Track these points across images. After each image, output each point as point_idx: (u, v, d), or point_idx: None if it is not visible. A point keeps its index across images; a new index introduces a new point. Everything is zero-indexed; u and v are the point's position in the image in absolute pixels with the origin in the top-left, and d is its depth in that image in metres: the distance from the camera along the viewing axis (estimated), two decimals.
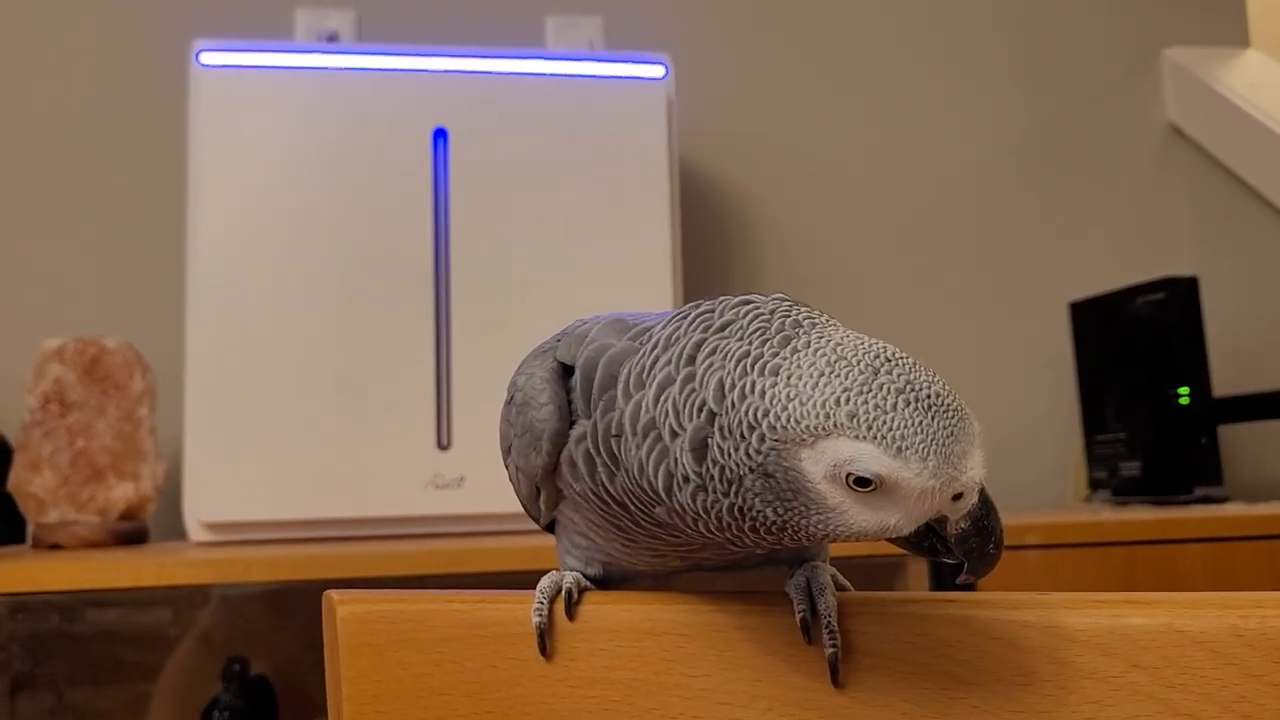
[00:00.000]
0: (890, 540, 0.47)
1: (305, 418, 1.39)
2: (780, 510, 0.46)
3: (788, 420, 0.44)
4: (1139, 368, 1.65)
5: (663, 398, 0.47)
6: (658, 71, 1.53)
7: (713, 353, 0.47)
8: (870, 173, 1.94)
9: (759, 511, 0.46)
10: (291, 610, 1.47)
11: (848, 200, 1.93)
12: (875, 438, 0.44)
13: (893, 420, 0.44)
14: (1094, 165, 2.01)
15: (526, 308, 1.44)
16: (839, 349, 0.46)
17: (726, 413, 0.45)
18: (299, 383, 1.39)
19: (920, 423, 0.44)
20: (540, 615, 0.51)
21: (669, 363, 0.48)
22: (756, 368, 0.46)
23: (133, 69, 1.75)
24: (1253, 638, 0.45)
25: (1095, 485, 1.74)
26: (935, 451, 0.44)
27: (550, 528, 0.58)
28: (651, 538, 0.52)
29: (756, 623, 0.50)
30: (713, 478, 0.46)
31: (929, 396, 0.45)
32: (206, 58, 1.44)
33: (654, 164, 1.51)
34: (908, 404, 0.44)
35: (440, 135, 1.46)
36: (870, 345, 0.46)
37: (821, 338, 0.46)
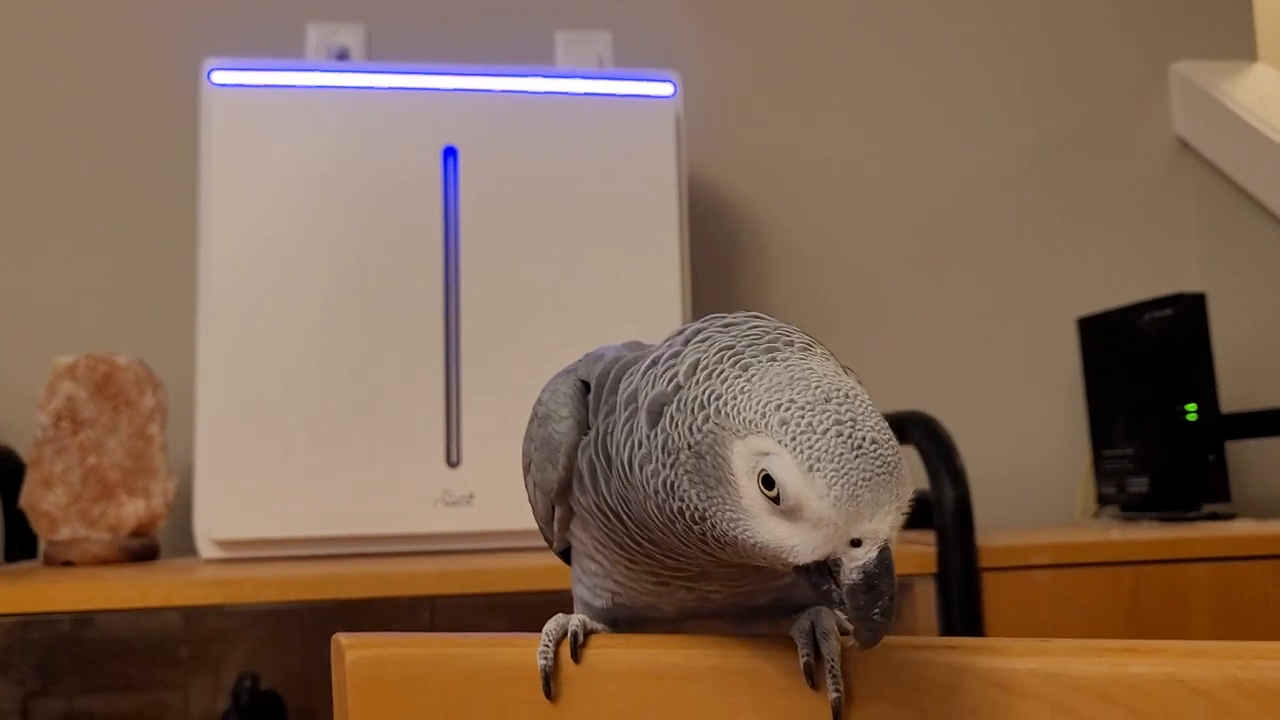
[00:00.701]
0: (796, 571, 0.47)
1: (315, 435, 1.39)
2: (703, 497, 0.47)
3: (732, 409, 0.47)
4: (1147, 384, 1.65)
5: (649, 374, 0.50)
6: (666, 89, 1.54)
7: (703, 340, 0.50)
8: (880, 188, 1.94)
9: (685, 492, 0.48)
10: (302, 626, 1.47)
11: (858, 216, 1.93)
12: (795, 449, 0.45)
13: (817, 442, 0.45)
14: (1102, 180, 2.01)
15: (536, 326, 1.45)
16: (809, 372, 0.47)
17: (690, 388, 0.48)
18: (309, 400, 1.40)
19: (840, 454, 0.45)
20: (545, 658, 0.52)
21: (665, 348, 0.51)
22: (731, 360, 0.48)
23: (144, 86, 1.76)
24: (1252, 689, 0.45)
25: (1103, 501, 1.74)
26: (844, 485, 0.45)
27: (565, 556, 0.59)
28: (649, 558, 0.52)
29: (761, 667, 0.51)
30: (658, 445, 0.48)
31: (863, 438, 0.45)
32: (218, 76, 1.45)
33: (663, 182, 1.51)
34: (839, 435, 0.45)
35: (450, 154, 1.47)
36: (838, 380, 0.47)
37: (802, 360, 0.48)
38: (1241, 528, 1.45)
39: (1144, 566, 1.27)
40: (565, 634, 0.52)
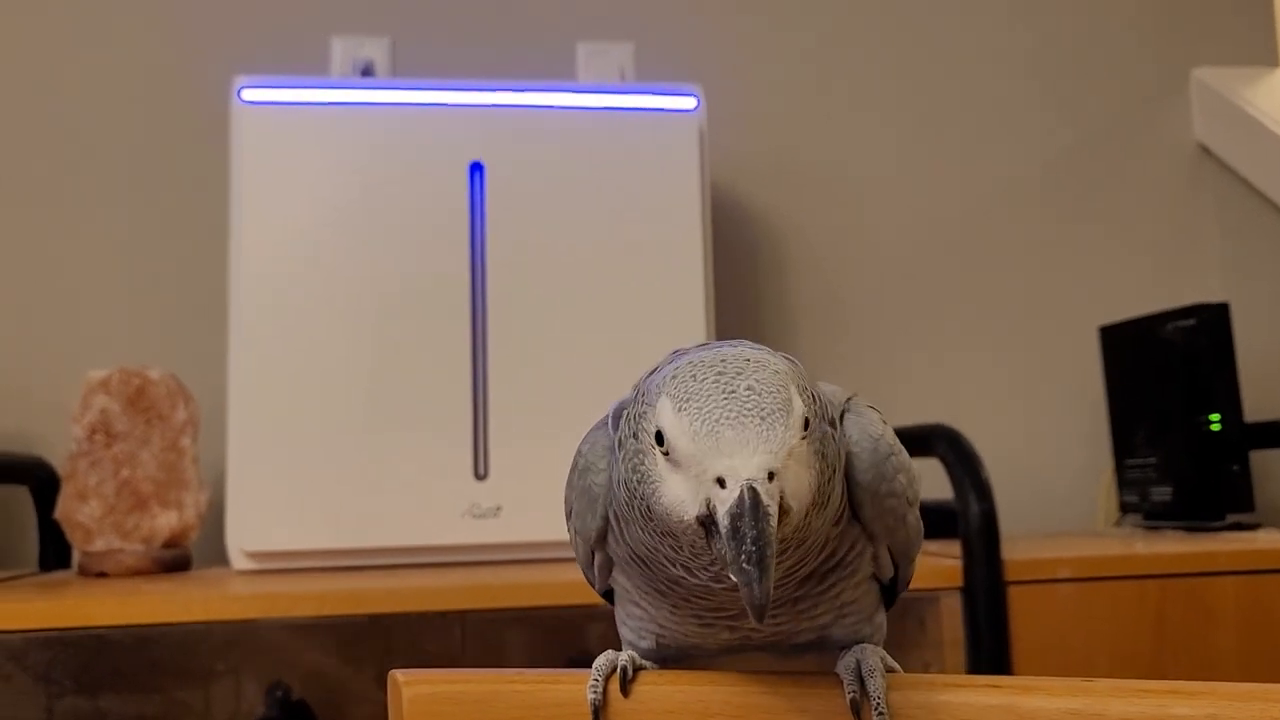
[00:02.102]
0: (704, 535, 0.46)
1: (344, 448, 1.41)
2: (635, 478, 0.49)
3: (654, 386, 0.49)
4: (1170, 393, 1.65)
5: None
6: (689, 103, 1.55)
7: (674, 356, 0.51)
8: (901, 197, 1.95)
9: (627, 478, 0.49)
10: (335, 638, 1.49)
11: (879, 225, 1.94)
12: (672, 394, 0.47)
13: (692, 388, 0.47)
14: (1123, 186, 2.01)
15: (562, 339, 1.46)
16: (728, 348, 0.49)
17: (640, 387, 0.50)
18: (338, 413, 1.42)
19: (710, 396, 0.46)
20: (595, 692, 0.53)
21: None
22: (672, 355, 0.51)
23: (175, 103, 1.78)
24: None
25: (1126, 509, 1.75)
26: (705, 421, 0.46)
27: (609, 597, 0.60)
28: (686, 601, 0.53)
29: (808, 704, 0.52)
30: (618, 443, 0.51)
31: (739, 386, 0.47)
32: (249, 94, 1.47)
33: (687, 195, 1.52)
34: (715, 383, 0.47)
35: (477, 169, 1.48)
36: (751, 353, 0.49)
37: (733, 347, 0.50)
38: (1267, 539, 1.45)
39: (1170, 580, 1.28)
40: (615, 669, 0.54)
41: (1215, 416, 1.59)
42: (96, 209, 1.76)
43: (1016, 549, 1.31)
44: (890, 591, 0.59)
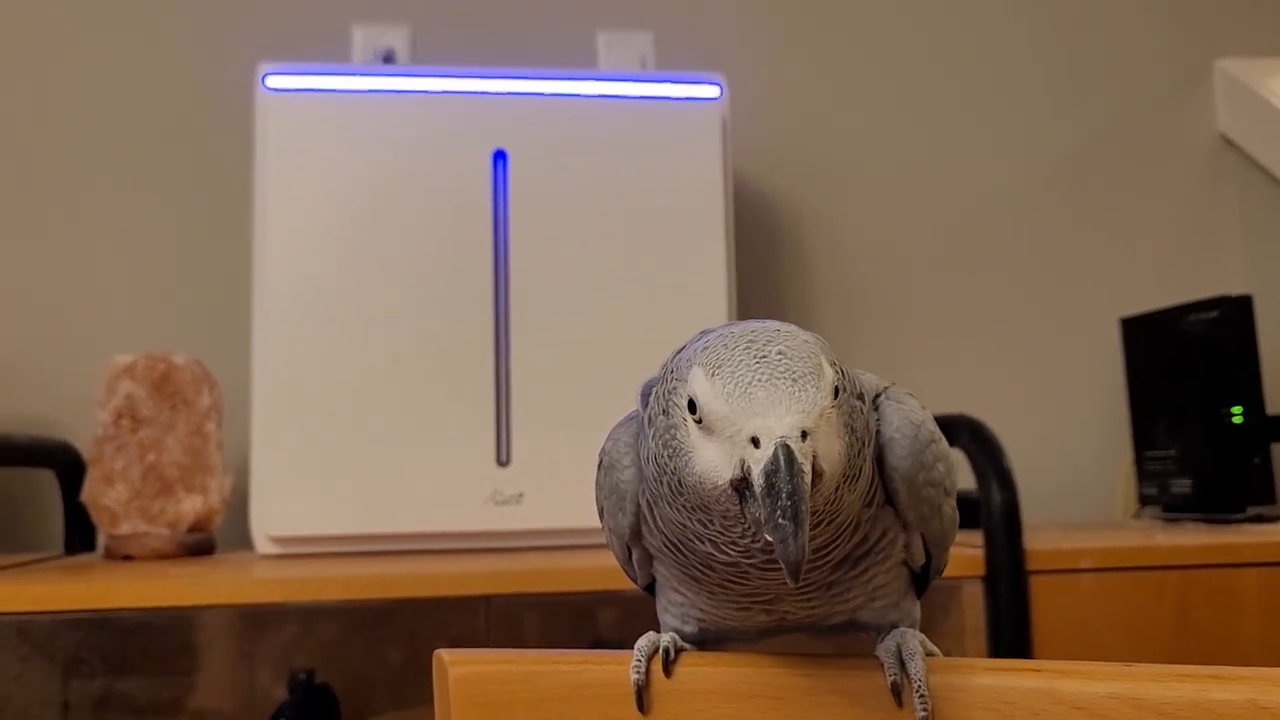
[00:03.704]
0: (738, 502, 0.46)
1: (367, 434, 1.42)
2: (666, 453, 0.49)
3: (685, 360, 0.49)
4: (1191, 385, 1.65)
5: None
6: (712, 92, 1.55)
7: (702, 335, 0.52)
8: (924, 187, 1.95)
9: (657, 454, 0.50)
10: (358, 622, 1.50)
11: (901, 216, 1.94)
12: (704, 363, 0.48)
13: (725, 355, 0.48)
14: (1145, 178, 2.01)
15: (584, 327, 1.47)
16: (763, 325, 0.49)
17: (669, 364, 0.51)
18: (361, 399, 1.43)
19: (741, 361, 0.47)
20: (638, 673, 0.53)
21: None
22: (700, 333, 0.51)
23: (199, 89, 1.79)
24: None
25: (1145, 501, 1.74)
26: (738, 384, 0.46)
27: (650, 589, 0.60)
28: (721, 586, 0.53)
29: (849, 686, 0.53)
30: (647, 420, 0.51)
31: (770, 351, 0.47)
32: (273, 81, 1.47)
33: (710, 183, 1.52)
34: (747, 350, 0.47)
35: (500, 157, 1.49)
36: (779, 325, 0.50)
37: (772, 324, 0.50)
38: None
39: (1192, 571, 1.28)
40: (657, 650, 0.54)
41: (1237, 409, 1.58)
42: (121, 195, 1.77)
43: (1038, 539, 1.31)
44: (923, 579, 0.59)
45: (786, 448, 0.44)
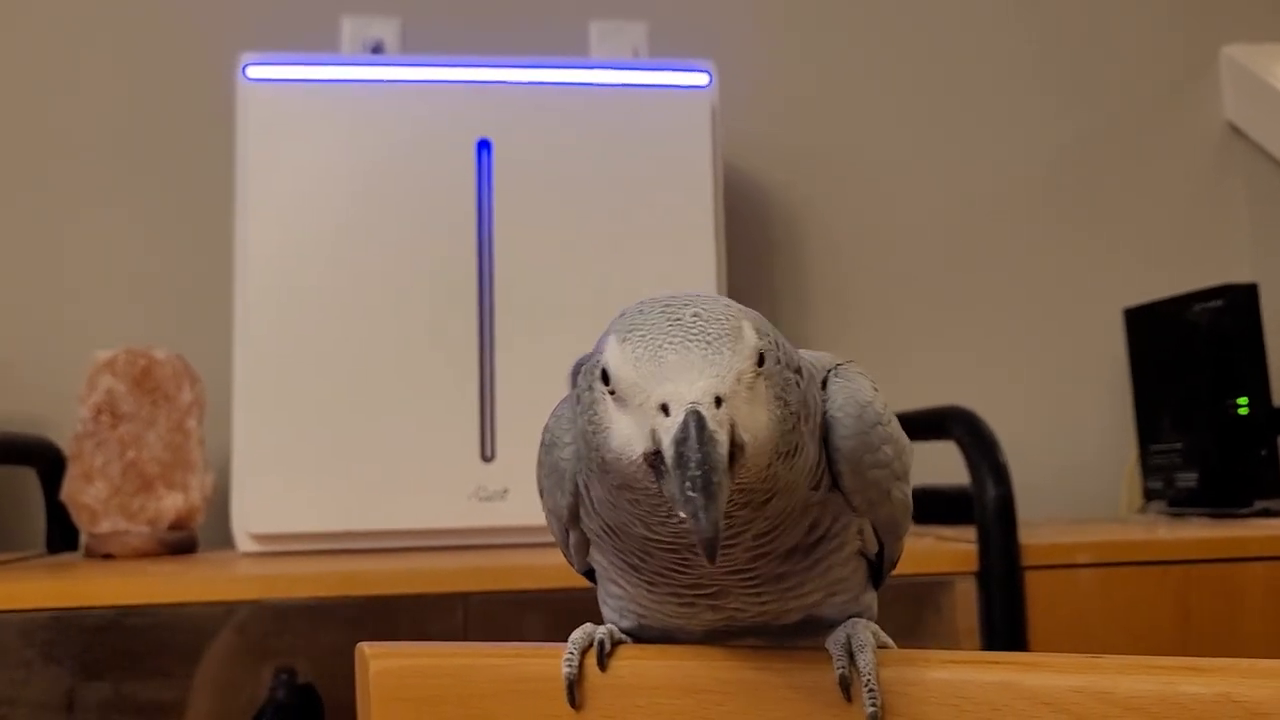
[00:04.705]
0: (653, 476, 0.44)
1: (350, 430, 1.39)
2: (590, 429, 0.46)
3: (606, 330, 0.46)
4: (1196, 377, 1.61)
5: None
6: (702, 80, 1.52)
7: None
8: (921, 175, 1.91)
9: (583, 430, 0.47)
10: (342, 620, 1.47)
11: (898, 205, 1.90)
12: (618, 329, 0.45)
13: (636, 321, 0.45)
14: (1151, 167, 1.96)
15: (570, 319, 1.43)
16: (687, 291, 0.47)
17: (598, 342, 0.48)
18: (344, 394, 1.40)
19: (654, 324, 0.44)
20: (570, 666, 0.50)
21: None
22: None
23: (181, 81, 1.77)
24: None
25: (1150, 496, 1.70)
26: (648, 347, 0.43)
27: (590, 576, 0.57)
28: (661, 575, 0.50)
29: (796, 681, 0.49)
30: (575, 399, 0.48)
31: (685, 314, 0.44)
32: (253, 71, 1.45)
33: (698, 173, 1.49)
34: (662, 313, 0.45)
35: (484, 146, 1.46)
36: (704, 293, 0.47)
37: (696, 292, 0.47)
38: None
39: (1194, 565, 1.24)
40: (592, 643, 0.51)
41: (1243, 400, 1.54)
42: (101, 188, 1.74)
43: (1034, 534, 1.27)
44: (878, 571, 0.56)
45: (697, 414, 0.41)
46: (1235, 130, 1.97)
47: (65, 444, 1.47)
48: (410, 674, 0.50)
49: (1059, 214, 1.93)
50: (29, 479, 1.56)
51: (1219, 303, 1.57)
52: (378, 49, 1.79)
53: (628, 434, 0.44)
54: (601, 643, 0.51)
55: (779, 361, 0.46)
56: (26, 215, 1.73)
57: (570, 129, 1.48)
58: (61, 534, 1.53)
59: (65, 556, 1.49)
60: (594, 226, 1.47)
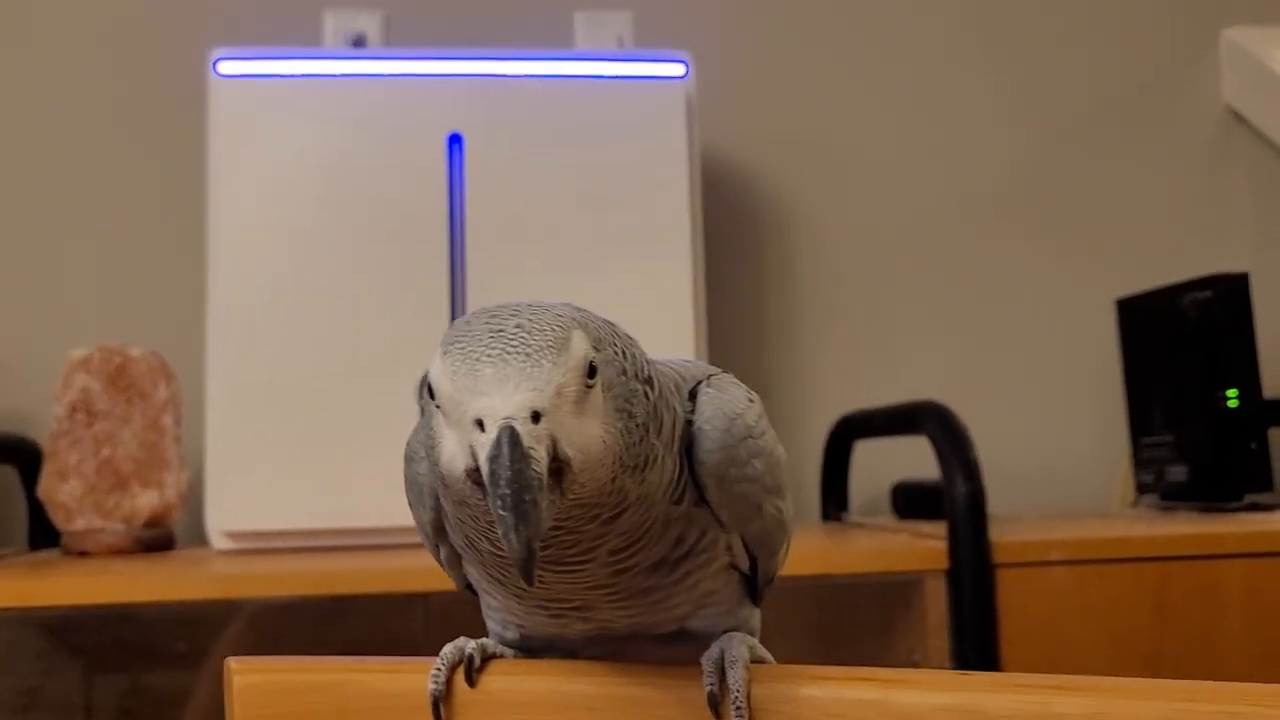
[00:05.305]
0: (477, 493, 0.42)
1: (324, 427, 1.39)
2: (429, 445, 0.45)
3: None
4: (1186, 368, 1.58)
5: None
6: (678, 70, 1.50)
7: None
8: (907, 165, 1.88)
9: (429, 450, 0.45)
10: (313, 620, 1.47)
11: (883, 195, 1.87)
12: (442, 343, 0.44)
13: (460, 332, 0.43)
14: (1147, 152, 1.92)
15: None
16: (520, 301, 0.46)
17: None
18: (317, 392, 1.40)
19: (475, 336, 0.43)
20: (436, 683, 0.49)
21: None
22: None
23: (154, 77, 1.76)
24: None
25: (1142, 490, 1.67)
26: (465, 359, 0.42)
27: (472, 591, 0.56)
28: (522, 589, 0.48)
29: (668, 697, 0.48)
30: (421, 409, 0.47)
31: (508, 325, 0.43)
32: (224, 67, 1.44)
33: (674, 164, 1.47)
34: (484, 326, 0.43)
35: (455, 140, 1.45)
36: (537, 302, 0.45)
37: (531, 301, 0.46)
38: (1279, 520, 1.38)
39: (1171, 563, 1.21)
40: (462, 658, 0.50)
41: (1233, 392, 1.51)
42: (74, 186, 1.74)
43: (1008, 530, 1.25)
44: (754, 585, 0.54)
45: (511, 430, 0.40)
46: (1236, 115, 1.92)
47: (44, 442, 1.47)
48: (276, 690, 0.49)
49: (1053, 202, 1.90)
50: (10, 477, 1.56)
51: (1209, 293, 1.53)
52: (360, 42, 1.78)
53: (452, 450, 0.43)
54: (471, 658, 0.50)
55: (623, 372, 0.44)
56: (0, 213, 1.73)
57: (544, 121, 1.47)
58: (43, 532, 1.53)
59: (44, 554, 1.49)
60: (568, 219, 1.45)
